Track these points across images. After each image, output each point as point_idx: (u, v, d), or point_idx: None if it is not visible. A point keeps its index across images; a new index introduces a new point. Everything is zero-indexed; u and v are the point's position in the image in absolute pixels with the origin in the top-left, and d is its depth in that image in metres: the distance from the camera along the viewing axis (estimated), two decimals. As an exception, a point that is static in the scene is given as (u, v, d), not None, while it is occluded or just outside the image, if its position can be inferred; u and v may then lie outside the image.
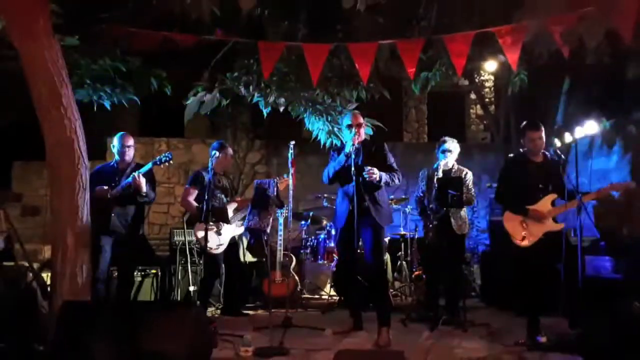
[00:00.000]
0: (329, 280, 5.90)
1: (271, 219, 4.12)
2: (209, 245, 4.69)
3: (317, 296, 6.12)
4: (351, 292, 4.39)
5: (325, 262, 5.89)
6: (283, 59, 4.39)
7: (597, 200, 3.97)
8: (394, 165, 4.17)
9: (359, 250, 4.38)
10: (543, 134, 4.03)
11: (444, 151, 4.79)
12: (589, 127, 5.88)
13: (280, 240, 5.56)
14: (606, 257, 5.00)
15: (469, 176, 4.91)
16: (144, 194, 4.46)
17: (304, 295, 6.07)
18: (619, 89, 5.81)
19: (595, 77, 6.02)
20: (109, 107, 5.44)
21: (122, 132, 4.66)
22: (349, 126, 4.09)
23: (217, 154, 4.75)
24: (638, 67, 5.01)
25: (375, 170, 3.92)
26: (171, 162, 4.57)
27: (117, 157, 4.61)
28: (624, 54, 4.89)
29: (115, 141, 4.61)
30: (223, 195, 4.96)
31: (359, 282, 4.37)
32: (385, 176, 3.99)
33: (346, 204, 4.06)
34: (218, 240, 4.80)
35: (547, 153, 4.12)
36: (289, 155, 4.62)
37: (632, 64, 5.06)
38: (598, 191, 4.00)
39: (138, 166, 4.59)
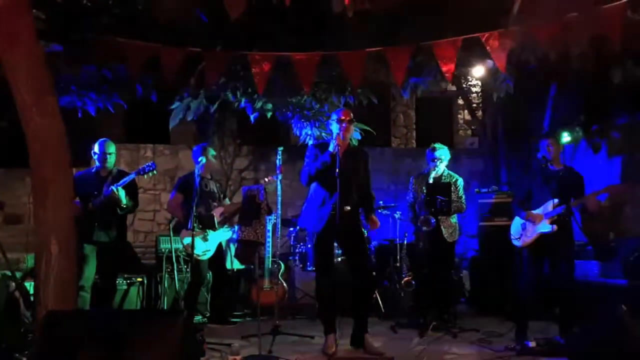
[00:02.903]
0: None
1: (265, 228, 4.06)
2: (195, 251, 4.65)
3: (306, 304, 6.07)
4: (334, 303, 4.06)
5: (315, 268, 5.84)
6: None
7: (588, 205, 4.06)
8: (370, 181, 4.13)
9: (338, 258, 4.27)
10: (553, 142, 4.26)
11: (434, 159, 4.79)
12: (575, 132, 5.98)
13: (269, 247, 5.51)
14: (593, 261, 5.05)
15: (460, 183, 4.92)
16: (124, 206, 4.43)
17: (293, 303, 6.02)
18: (603, 94, 5.88)
19: (580, 83, 6.09)
20: (93, 113, 5.38)
21: (103, 139, 4.60)
22: (340, 120, 3.92)
23: (204, 159, 4.68)
24: (622, 73, 5.07)
25: (377, 222, 4.09)
26: (155, 171, 4.52)
27: (97, 163, 4.57)
28: (608, 60, 4.96)
29: (96, 148, 4.56)
30: (211, 200, 4.90)
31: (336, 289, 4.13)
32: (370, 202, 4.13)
33: (328, 208, 3.89)
34: (205, 246, 4.74)
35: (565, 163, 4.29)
36: (277, 161, 4.58)
37: (616, 69, 5.12)
38: (586, 197, 4.09)
39: (120, 173, 4.54)
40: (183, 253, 5.31)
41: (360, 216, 4.08)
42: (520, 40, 3.78)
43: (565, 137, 6.10)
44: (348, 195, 3.87)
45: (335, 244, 3.97)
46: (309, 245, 5.76)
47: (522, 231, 4.24)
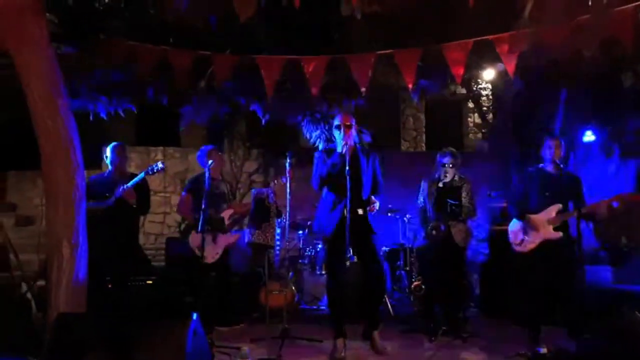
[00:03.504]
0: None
1: (274, 232, 4.07)
2: (204, 254, 4.67)
3: (315, 307, 6.06)
4: (344, 307, 4.09)
5: (324, 272, 5.83)
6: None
7: (598, 213, 3.99)
8: (379, 176, 4.11)
9: (352, 260, 4.28)
10: (558, 144, 4.17)
11: (444, 164, 4.76)
12: (586, 136, 5.93)
13: (278, 250, 5.51)
14: (606, 266, 4.99)
15: (471, 187, 4.88)
16: (135, 206, 4.45)
17: (302, 307, 6.01)
18: (615, 98, 5.83)
19: (592, 86, 6.04)
20: (105, 117, 5.42)
21: (115, 142, 4.66)
22: (338, 126, 3.99)
23: (211, 160, 4.69)
24: (634, 76, 5.03)
25: (377, 204, 3.98)
26: (163, 170, 4.56)
27: (110, 167, 4.62)
28: (619, 63, 4.91)
29: (108, 152, 4.61)
30: (221, 202, 4.90)
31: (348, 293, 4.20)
32: (378, 205, 4.05)
33: (339, 211, 3.90)
34: (213, 249, 4.74)
35: (561, 165, 4.17)
36: (287, 164, 4.58)
37: (628, 72, 5.07)
38: (597, 203, 4.04)
39: (132, 177, 4.58)
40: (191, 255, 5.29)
41: (371, 218, 4.06)
42: (531, 43, 3.74)
43: (589, 136, 6.03)
44: (358, 197, 3.88)
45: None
46: (321, 249, 5.75)
47: (524, 236, 4.14)
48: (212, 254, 4.71)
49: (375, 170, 4.10)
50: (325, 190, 4.05)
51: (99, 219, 4.36)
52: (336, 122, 4.03)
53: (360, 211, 3.91)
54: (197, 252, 4.80)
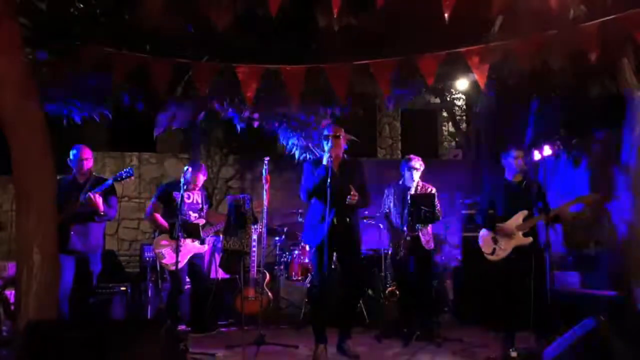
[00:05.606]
0: (305, 298, 5.86)
1: (250, 238, 4.07)
2: (164, 261, 4.70)
3: (291, 313, 6.07)
4: (324, 313, 4.18)
5: (300, 278, 5.86)
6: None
7: (561, 214, 4.13)
8: (367, 187, 4.19)
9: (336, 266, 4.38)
10: (519, 154, 4.26)
11: (410, 169, 4.85)
12: (555, 146, 6.09)
13: (254, 256, 5.51)
14: (573, 272, 5.12)
15: (434, 193, 4.99)
16: (102, 213, 4.33)
17: (278, 312, 6.01)
18: (584, 109, 6.01)
19: (561, 97, 6.22)
20: (79, 121, 5.36)
21: (78, 145, 4.50)
22: (326, 137, 4.11)
23: (190, 172, 4.68)
24: (601, 87, 5.20)
25: (357, 196, 3.95)
26: (132, 177, 4.48)
27: (74, 170, 4.47)
28: (587, 75, 5.08)
29: (71, 154, 4.46)
30: (191, 212, 4.86)
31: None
32: (360, 201, 4.03)
33: (327, 222, 3.93)
34: (176, 257, 4.68)
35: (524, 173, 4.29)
36: (264, 170, 4.60)
37: (596, 84, 5.24)
38: (560, 206, 4.17)
39: (97, 180, 4.44)
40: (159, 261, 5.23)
41: (358, 228, 4.19)
42: (501, 56, 3.85)
43: (546, 150, 6.20)
44: (344, 207, 3.97)
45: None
46: (308, 259, 5.73)
47: (495, 245, 4.24)
48: (173, 263, 4.59)
49: (362, 179, 4.16)
50: (313, 201, 4.13)
51: (63, 225, 4.22)
52: (325, 132, 4.15)
53: (348, 220, 4.02)
54: (159, 258, 4.80)
